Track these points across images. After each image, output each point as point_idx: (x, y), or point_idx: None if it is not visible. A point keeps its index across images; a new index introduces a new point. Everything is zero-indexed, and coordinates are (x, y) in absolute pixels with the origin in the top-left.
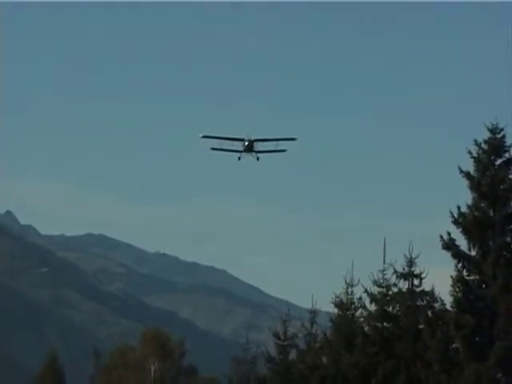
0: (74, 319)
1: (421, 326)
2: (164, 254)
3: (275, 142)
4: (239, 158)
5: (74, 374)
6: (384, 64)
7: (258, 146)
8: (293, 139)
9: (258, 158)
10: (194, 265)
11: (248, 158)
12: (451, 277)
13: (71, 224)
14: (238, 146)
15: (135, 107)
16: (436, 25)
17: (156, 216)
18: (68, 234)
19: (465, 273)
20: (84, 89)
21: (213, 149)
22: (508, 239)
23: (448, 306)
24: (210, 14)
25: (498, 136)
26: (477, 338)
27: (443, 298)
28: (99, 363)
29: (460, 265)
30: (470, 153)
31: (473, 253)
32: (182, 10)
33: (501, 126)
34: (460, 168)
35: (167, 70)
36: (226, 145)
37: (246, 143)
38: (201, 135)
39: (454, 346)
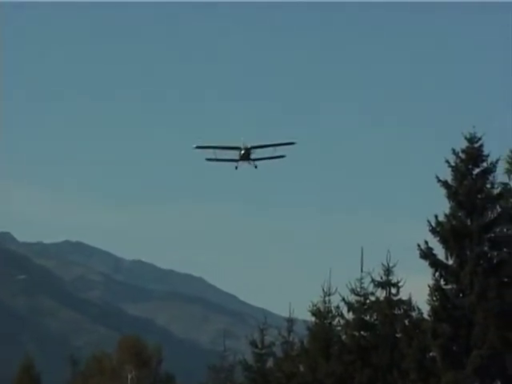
0: (51, 327)
1: (398, 335)
2: (141, 262)
3: (273, 148)
4: (236, 168)
5: (51, 381)
6: (363, 71)
7: (256, 154)
8: (291, 143)
9: (255, 166)
10: (171, 272)
11: (245, 166)
12: (428, 286)
13: (49, 231)
14: (234, 154)
15: (118, 110)
16: (408, 38)
17: (133, 223)
18: (46, 241)
19: (442, 282)
20: (62, 90)
21: (208, 159)
22: (485, 248)
23: (425, 315)
24: (203, 16)
25: (476, 145)
26: (454, 347)
27: (420, 306)
28: (76, 371)
29: (437, 274)
30: (447, 162)
31: (450, 262)
32: (171, 12)
33: (478, 135)
34: (438, 177)
35: (153, 71)
36: (222, 154)
37: (243, 151)
38: (194, 146)
39: (430, 354)
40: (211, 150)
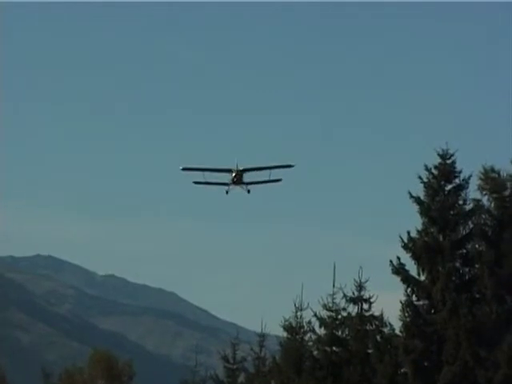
0: (23, 341)
1: (369, 351)
2: (113, 276)
3: (268, 171)
4: (227, 192)
5: None
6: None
7: (249, 177)
8: (289, 166)
9: (248, 191)
10: (143, 287)
11: (237, 190)
12: (400, 301)
13: (20, 245)
14: (225, 177)
15: (96, 122)
16: (379, 49)
17: (106, 238)
18: (16, 255)
19: (414, 297)
20: (39, 101)
21: (196, 182)
22: (457, 264)
23: (397, 331)
24: (194, 32)
25: (448, 161)
26: (425, 363)
27: (392, 322)
28: None
29: (409, 289)
30: (420, 178)
31: (422, 277)
32: (156, 32)
33: (451, 151)
34: (410, 193)
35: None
36: (212, 177)
37: (234, 174)
38: (180, 167)
39: (402, 370)
40: (200, 173)
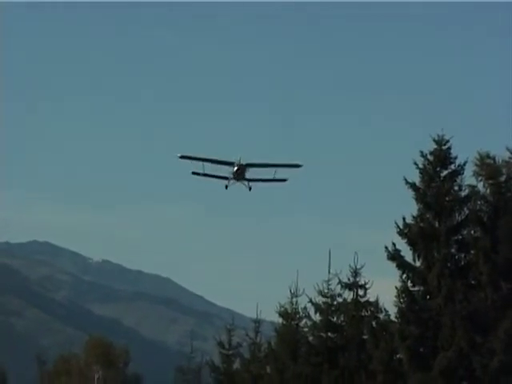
0: (18, 326)
1: (365, 337)
2: (109, 262)
3: (274, 169)
4: (226, 187)
5: (18, 381)
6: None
7: (252, 173)
8: (297, 166)
9: (250, 188)
10: (139, 273)
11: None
12: (396, 287)
13: (16, 231)
14: (227, 171)
15: (94, 111)
16: (378, 37)
17: (102, 224)
18: (12, 241)
19: (409, 284)
20: (39, 90)
21: (194, 173)
22: (453, 250)
23: (392, 317)
24: (201, 26)
25: (444, 147)
26: (421, 349)
27: (388, 308)
28: (43, 371)
29: (404, 276)
30: (415, 164)
31: (417, 264)
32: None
33: (447, 137)
34: (406, 179)
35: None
36: (212, 169)
37: (236, 168)
38: (179, 155)
39: (398, 356)
40: (200, 163)
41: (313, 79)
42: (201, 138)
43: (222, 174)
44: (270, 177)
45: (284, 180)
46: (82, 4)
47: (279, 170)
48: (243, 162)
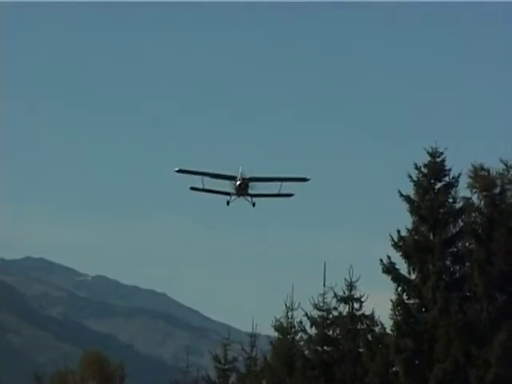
0: (14, 343)
1: (361, 350)
2: (104, 277)
3: (279, 183)
4: (228, 203)
5: None
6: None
7: (255, 188)
8: (304, 180)
9: (253, 204)
10: (134, 288)
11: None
12: (391, 300)
13: (10, 247)
14: (229, 186)
15: (89, 122)
16: (369, 49)
17: (97, 239)
18: (7, 257)
19: (405, 296)
20: (37, 101)
21: (192, 188)
22: (447, 263)
23: (388, 330)
24: (202, 34)
25: (438, 160)
26: (416, 362)
27: (383, 321)
28: None
29: (400, 288)
30: (410, 176)
31: (413, 276)
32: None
33: (440, 149)
34: (400, 191)
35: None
36: (212, 184)
37: (238, 183)
38: (176, 169)
39: (393, 369)
40: (199, 177)
41: (306, 89)
42: (200, 151)
43: (223, 190)
44: (274, 191)
45: (291, 195)
46: (82, 4)
47: (284, 184)
48: (246, 175)
